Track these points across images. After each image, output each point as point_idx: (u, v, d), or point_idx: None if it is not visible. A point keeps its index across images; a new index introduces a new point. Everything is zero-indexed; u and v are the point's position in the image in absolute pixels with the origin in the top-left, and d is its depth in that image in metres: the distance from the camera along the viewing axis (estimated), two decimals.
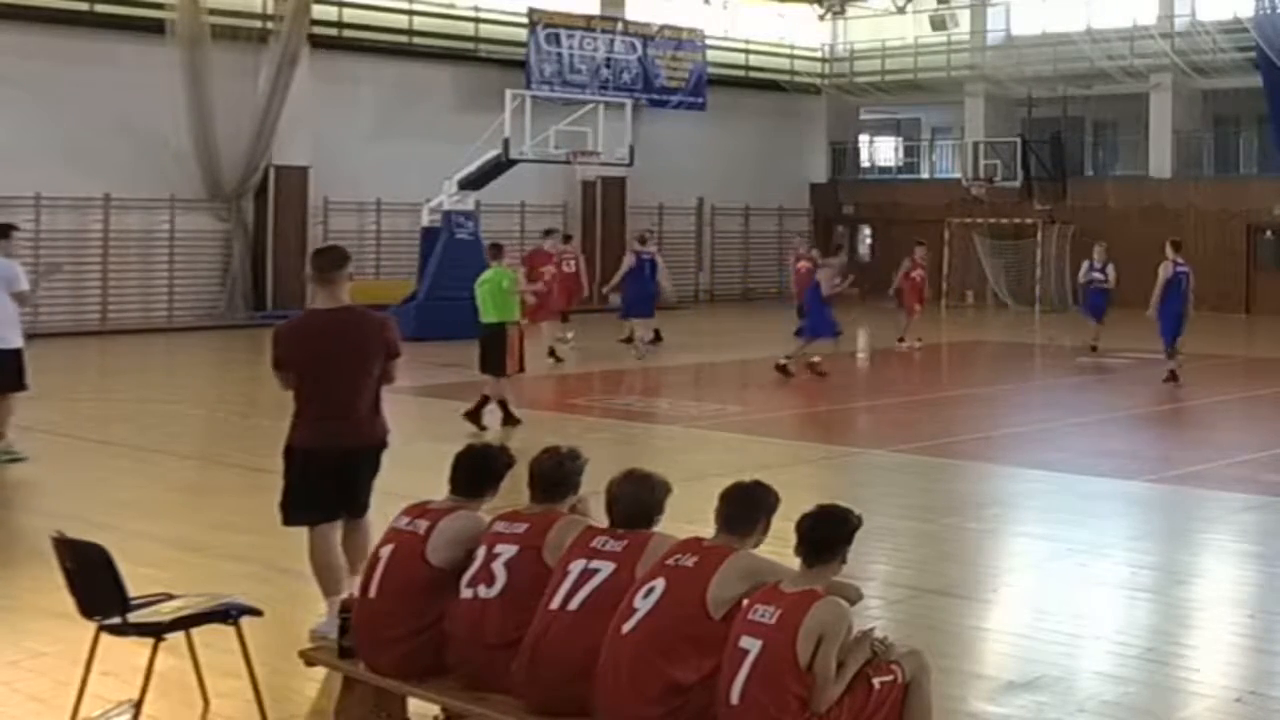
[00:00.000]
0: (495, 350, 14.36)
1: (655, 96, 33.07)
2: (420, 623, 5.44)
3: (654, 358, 21.36)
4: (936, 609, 8.01)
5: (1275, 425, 15.54)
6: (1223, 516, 10.88)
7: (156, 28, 25.56)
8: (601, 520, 5.33)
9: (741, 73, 36.23)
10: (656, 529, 5.26)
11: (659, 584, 4.88)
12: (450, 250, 24.63)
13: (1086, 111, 35.77)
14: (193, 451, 13.68)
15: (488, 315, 14.46)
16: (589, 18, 32.27)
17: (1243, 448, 13.85)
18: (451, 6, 30.68)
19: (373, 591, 5.58)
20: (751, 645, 4.65)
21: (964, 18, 36.71)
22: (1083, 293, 22.68)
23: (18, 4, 24.54)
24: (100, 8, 25.65)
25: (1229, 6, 31.81)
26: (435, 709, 5.65)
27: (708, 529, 5.10)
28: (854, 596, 5.06)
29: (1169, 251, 18.77)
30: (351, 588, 6.60)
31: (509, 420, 14.44)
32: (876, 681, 4.79)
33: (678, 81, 33.65)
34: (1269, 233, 32.08)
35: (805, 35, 38.23)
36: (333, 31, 28.70)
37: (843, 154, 39.04)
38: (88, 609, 5.81)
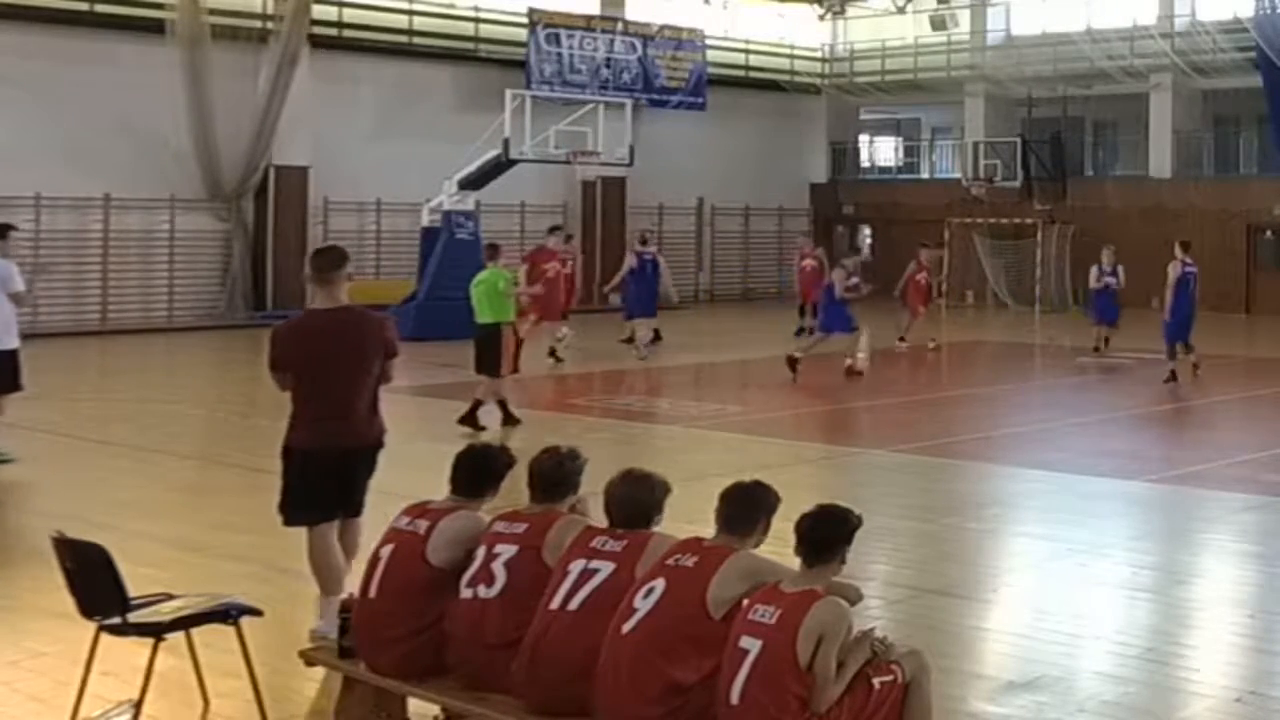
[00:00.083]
0: (490, 351, 14.36)
1: (655, 96, 33.07)
2: (420, 623, 5.44)
3: (654, 358, 21.35)
4: (936, 609, 8.01)
5: (1275, 425, 15.54)
6: (1223, 516, 10.88)
7: (156, 28, 25.55)
8: (600, 520, 5.33)
9: (741, 73, 36.23)
10: (656, 529, 5.26)
11: (659, 584, 4.88)
12: (450, 250, 24.63)
13: (1086, 111, 35.77)
14: (193, 451, 13.68)
15: (483, 316, 14.46)
16: (589, 18, 32.27)
17: (1243, 448, 13.85)
18: (451, 6, 30.68)
19: (373, 591, 5.58)
20: (751, 645, 4.65)
21: (964, 18, 36.71)
22: (1093, 297, 22.62)
23: (18, 4, 24.53)
24: (100, 8, 25.65)
25: (1229, 6, 31.81)
26: (435, 709, 5.65)
27: (708, 529, 5.10)
28: (854, 597, 5.06)
29: (1178, 252, 18.79)
30: (350, 587, 6.60)
31: (509, 420, 14.44)
32: (876, 681, 4.79)
33: (678, 81, 33.65)
34: (1269, 233, 32.08)
35: (805, 35, 38.24)
36: (333, 31, 28.69)
37: (843, 154, 39.04)
38: (88, 609, 5.81)
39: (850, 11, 38.52)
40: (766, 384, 18.76)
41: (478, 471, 5.82)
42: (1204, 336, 19.97)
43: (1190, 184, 32.64)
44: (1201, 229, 31.51)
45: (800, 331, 25.30)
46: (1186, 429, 16.29)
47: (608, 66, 32.22)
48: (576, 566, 5.12)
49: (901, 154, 41.10)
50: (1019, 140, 33.72)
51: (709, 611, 4.81)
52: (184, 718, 6.07)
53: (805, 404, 17.82)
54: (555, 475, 5.58)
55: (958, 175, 34.92)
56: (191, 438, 14.52)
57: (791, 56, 37.77)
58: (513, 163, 25.61)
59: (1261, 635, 7.70)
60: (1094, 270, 22.48)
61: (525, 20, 30.89)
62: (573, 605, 5.05)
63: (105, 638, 5.80)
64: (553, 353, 20.71)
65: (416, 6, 29.96)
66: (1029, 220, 33.07)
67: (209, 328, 25.46)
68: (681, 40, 33.80)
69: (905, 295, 23.72)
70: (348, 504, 7.20)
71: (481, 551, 5.41)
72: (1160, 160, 33.29)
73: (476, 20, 31.00)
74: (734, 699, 4.65)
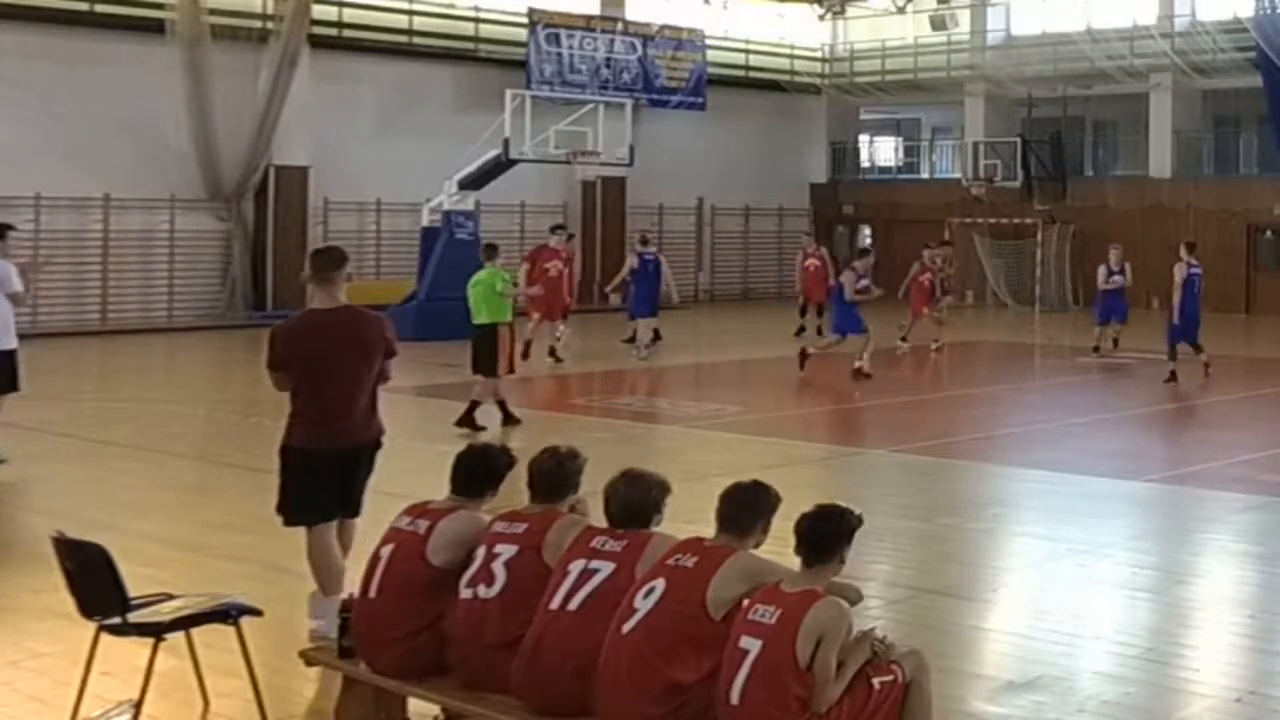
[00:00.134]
0: (487, 351, 14.35)
1: (655, 96, 33.06)
2: (420, 623, 5.44)
3: (654, 358, 21.34)
4: (936, 609, 8.01)
5: (1275, 425, 15.54)
6: (1223, 516, 10.88)
7: (156, 28, 25.55)
8: (600, 520, 5.33)
9: (741, 73, 36.23)
10: (656, 529, 5.26)
11: (659, 584, 4.88)
12: (450, 250, 24.61)
13: (1086, 111, 35.77)
14: (193, 451, 13.68)
15: (479, 316, 14.45)
16: (589, 18, 32.27)
17: (1243, 448, 13.84)
18: (451, 6, 30.68)
19: (373, 591, 5.58)
20: (751, 645, 4.65)
21: (964, 18, 36.71)
22: (1099, 296, 22.63)
23: (18, 4, 24.53)
24: (100, 8, 25.65)
25: (1229, 6, 31.80)
26: (435, 709, 5.65)
27: (708, 529, 5.09)
28: (854, 597, 5.06)
29: (1183, 253, 18.79)
30: (350, 587, 6.60)
31: (508, 420, 14.44)
32: (876, 681, 4.79)
33: (678, 81, 33.65)
34: (1269, 233, 32.08)
35: (805, 35, 38.23)
36: (333, 31, 28.69)
37: (843, 154, 39.04)
38: (88, 609, 5.81)
39: (850, 11, 38.51)
40: (766, 384, 18.76)
41: (478, 471, 5.82)
42: (1204, 336, 19.94)
43: (1190, 184, 32.65)
44: (1201, 229, 31.52)
45: (800, 331, 25.30)
46: (1186, 429, 16.29)
47: (608, 66, 32.22)
48: (576, 566, 5.12)
49: (901, 154, 41.09)
50: (1019, 140, 33.72)
51: (709, 612, 4.81)
52: (184, 718, 6.07)
53: (805, 404, 17.83)
54: (555, 475, 5.58)
55: (958, 175, 34.91)
56: (191, 438, 14.52)
57: (791, 56, 37.77)
58: (513, 163, 25.60)
59: (1261, 635, 7.70)
60: (1102, 270, 22.47)
61: (525, 20, 30.89)
62: (572, 605, 5.05)
63: (105, 638, 5.80)
64: (552, 352, 20.71)
65: (416, 6, 29.96)
66: (1029, 220, 33.06)
67: (209, 328, 25.46)
68: (681, 40, 33.80)
69: (909, 296, 23.69)
70: (347, 504, 7.21)
71: (481, 551, 5.41)
72: (1160, 160, 33.29)
73: (476, 20, 31.00)
74: (734, 699, 4.66)
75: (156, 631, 5.72)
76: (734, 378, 20.54)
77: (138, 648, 5.82)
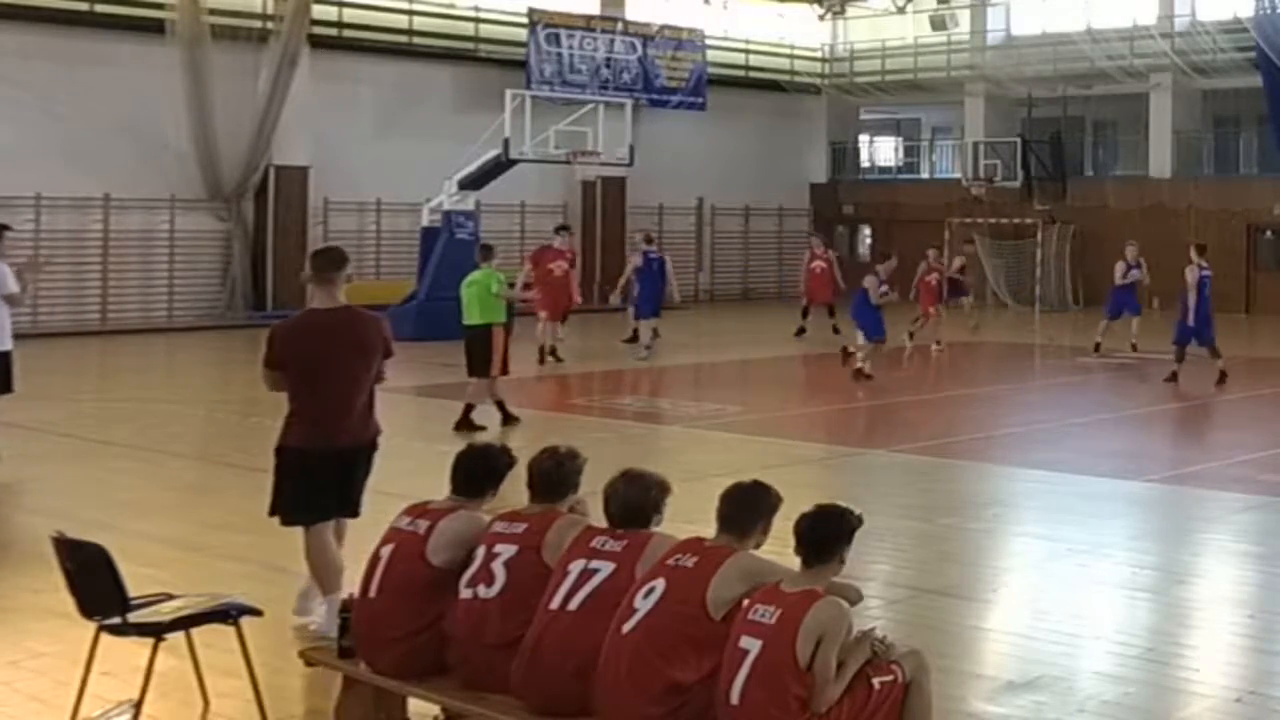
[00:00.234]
0: (480, 352, 14.34)
1: (655, 96, 33.07)
2: (420, 623, 5.44)
3: (654, 358, 21.33)
4: (936, 609, 8.01)
5: (1275, 425, 15.54)
6: (1223, 516, 10.88)
7: (156, 28, 25.56)
8: (600, 520, 5.33)
9: (741, 73, 36.24)
10: (656, 529, 5.26)
11: (659, 584, 4.88)
12: (450, 250, 24.60)
13: (1086, 111, 35.77)
14: (193, 451, 13.67)
15: (471, 317, 14.43)
16: (589, 18, 32.28)
17: (1243, 448, 13.85)
18: (451, 6, 30.69)
19: (373, 591, 5.58)
20: (751, 645, 4.65)
21: (964, 18, 36.72)
22: (1113, 293, 22.70)
23: (18, 4, 24.54)
24: (100, 8, 25.66)
25: (1229, 6, 31.81)
26: (435, 709, 5.65)
27: (708, 529, 5.09)
28: (854, 597, 5.06)
29: (1194, 255, 18.78)
30: (350, 586, 6.60)
31: (507, 420, 14.43)
32: (876, 681, 4.79)
33: (678, 81, 33.65)
34: (1269, 233, 32.09)
35: (805, 35, 38.24)
36: (333, 31, 28.70)
37: (843, 154, 39.04)
38: (88, 609, 5.81)
39: (850, 11, 38.52)
40: (766, 384, 18.76)
41: (478, 471, 5.82)
42: None
43: (1190, 184, 32.65)
44: (1201, 229, 31.49)
45: (800, 332, 25.31)
46: (1186, 429, 16.29)
47: (608, 66, 32.22)
48: (576, 566, 5.12)
49: (901, 154, 41.10)
50: (1019, 140, 33.72)
51: (709, 612, 4.81)
52: (184, 717, 6.07)
53: (805, 404, 17.83)
54: (555, 475, 5.58)
55: (958, 175, 34.91)
56: (191, 438, 14.51)
57: (791, 56, 37.78)
58: (513, 163, 25.61)
59: (1261, 635, 7.70)
60: (1120, 265, 22.51)
61: (525, 20, 30.90)
62: (572, 605, 5.05)
63: (105, 638, 5.80)
64: (553, 352, 20.69)
65: (416, 6, 29.97)
66: (1029, 220, 33.05)
67: (209, 328, 25.46)
68: (681, 40, 33.80)
69: (917, 296, 23.67)
70: (346, 504, 7.21)
71: (481, 551, 5.41)
72: (1160, 160, 33.29)
73: (476, 20, 31.01)
74: (734, 699, 4.65)
75: (156, 631, 5.72)
76: (734, 378, 20.54)
77: (138, 648, 5.82)
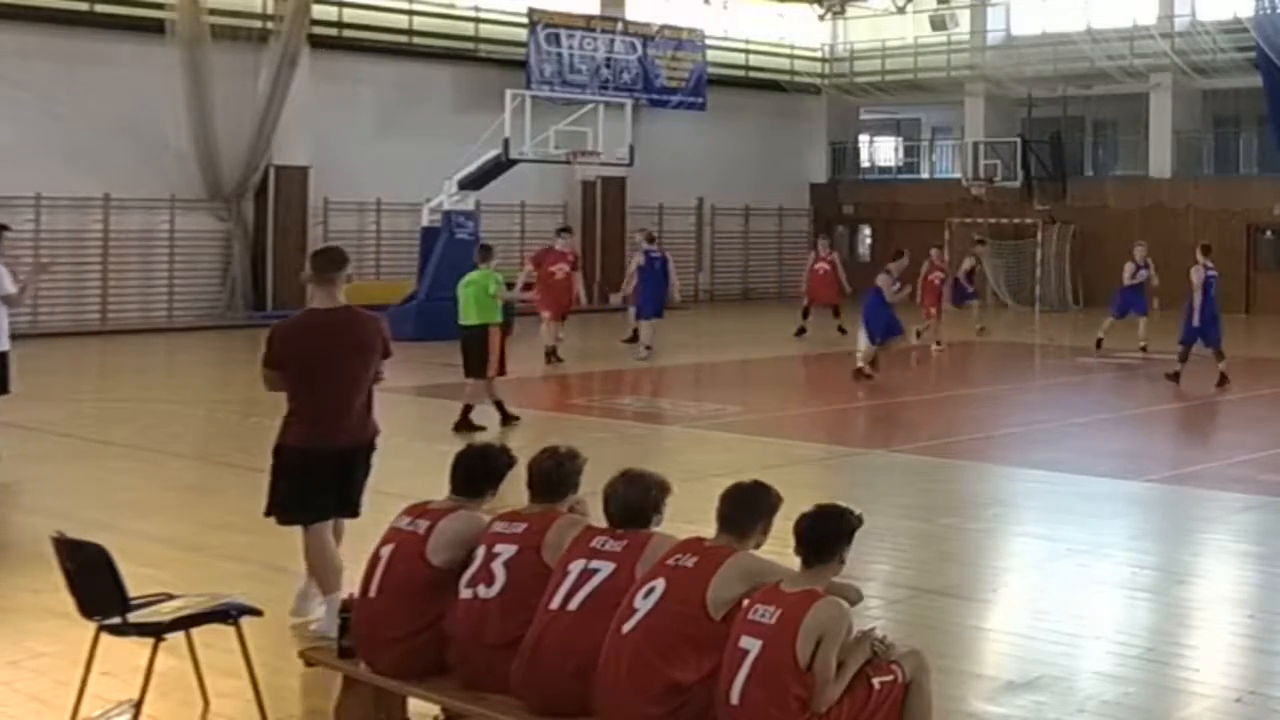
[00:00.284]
0: (476, 353, 14.33)
1: (655, 96, 33.07)
2: (420, 623, 5.44)
3: (654, 358, 21.32)
4: (936, 609, 8.01)
5: (1275, 425, 15.54)
6: (1223, 516, 10.88)
7: (157, 28, 25.56)
8: (599, 520, 5.33)
9: (741, 73, 36.24)
10: (656, 529, 5.26)
11: (659, 584, 4.88)
12: (450, 250, 24.60)
13: (1086, 111, 35.77)
14: (193, 451, 13.67)
15: (468, 317, 14.40)
16: (589, 18, 32.28)
17: (1243, 448, 13.85)
18: (451, 6, 30.69)
19: (373, 591, 5.58)
20: (751, 645, 4.65)
21: (964, 18, 36.72)
22: (1120, 293, 22.73)
23: (18, 4, 24.54)
24: (100, 8, 25.65)
25: (1229, 6, 31.81)
26: (435, 709, 5.65)
27: (708, 529, 5.09)
28: (854, 597, 5.06)
29: (1199, 255, 18.77)
30: (350, 586, 6.60)
31: (506, 420, 14.43)
32: (876, 681, 4.79)
33: (678, 81, 33.65)
34: (1269, 233, 32.09)
35: (805, 35, 38.24)
36: (333, 31, 28.70)
37: (843, 154, 39.04)
38: (88, 609, 5.81)
39: (850, 11, 38.52)
40: (766, 384, 18.75)
41: (477, 471, 5.82)
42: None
43: (1190, 184, 32.65)
44: (1201, 229, 31.49)
45: (800, 332, 25.31)
46: (1186, 429, 16.29)
47: (608, 66, 32.22)
48: (576, 566, 5.12)
49: (901, 154, 41.10)
50: (1019, 140, 33.72)
51: (709, 612, 4.81)
52: (184, 717, 6.07)
53: (805, 404, 17.82)
54: (555, 475, 5.58)
55: (958, 175, 34.91)
56: (191, 438, 14.51)
57: (791, 56, 37.78)
58: (513, 163, 25.61)
59: (1261, 635, 7.70)
60: (1129, 266, 22.52)
61: (525, 20, 30.90)
62: (572, 605, 5.05)
63: (105, 638, 5.80)
64: (554, 352, 20.67)
65: (416, 6, 29.97)
66: (1029, 220, 33.07)
67: (209, 328, 25.46)
68: (681, 40, 33.80)
69: (922, 297, 23.69)
70: (345, 504, 7.21)
71: (481, 551, 5.41)
72: (1160, 160, 33.29)
73: (476, 20, 31.01)
74: (734, 699, 4.65)
75: (156, 631, 5.72)
76: (734, 378, 20.54)
77: (138, 648, 5.82)
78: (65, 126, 24.69)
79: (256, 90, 26.78)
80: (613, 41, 32.43)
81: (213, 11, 26.08)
